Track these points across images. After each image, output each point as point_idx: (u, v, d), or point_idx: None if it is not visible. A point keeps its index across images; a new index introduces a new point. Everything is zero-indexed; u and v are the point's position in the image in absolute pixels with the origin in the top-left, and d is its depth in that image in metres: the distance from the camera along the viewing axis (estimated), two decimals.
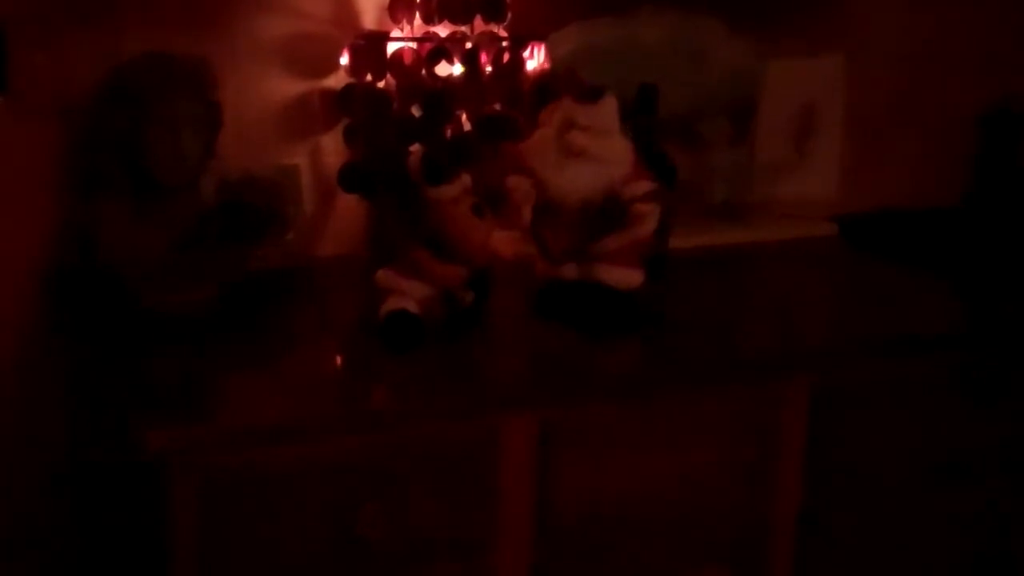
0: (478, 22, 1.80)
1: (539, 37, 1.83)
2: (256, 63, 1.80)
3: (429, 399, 1.47)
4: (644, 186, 1.65)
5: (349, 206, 1.85)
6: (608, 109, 1.64)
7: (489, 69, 1.78)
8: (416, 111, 1.77)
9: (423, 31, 1.79)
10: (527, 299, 1.70)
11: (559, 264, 1.67)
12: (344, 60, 1.81)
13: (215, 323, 1.62)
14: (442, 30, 1.79)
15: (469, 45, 1.78)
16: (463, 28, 1.80)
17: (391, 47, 1.78)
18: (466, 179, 1.57)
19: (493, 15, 1.80)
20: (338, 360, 1.60)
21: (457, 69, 1.76)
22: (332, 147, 1.85)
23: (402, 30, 1.79)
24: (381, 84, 1.78)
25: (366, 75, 1.78)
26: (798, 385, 1.61)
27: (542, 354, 1.61)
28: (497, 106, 1.80)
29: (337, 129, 1.84)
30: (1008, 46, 2.28)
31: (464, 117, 1.79)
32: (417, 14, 1.78)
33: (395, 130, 1.76)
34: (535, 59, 1.83)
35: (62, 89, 1.68)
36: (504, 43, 1.80)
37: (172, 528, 1.34)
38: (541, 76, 1.82)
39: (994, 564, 1.82)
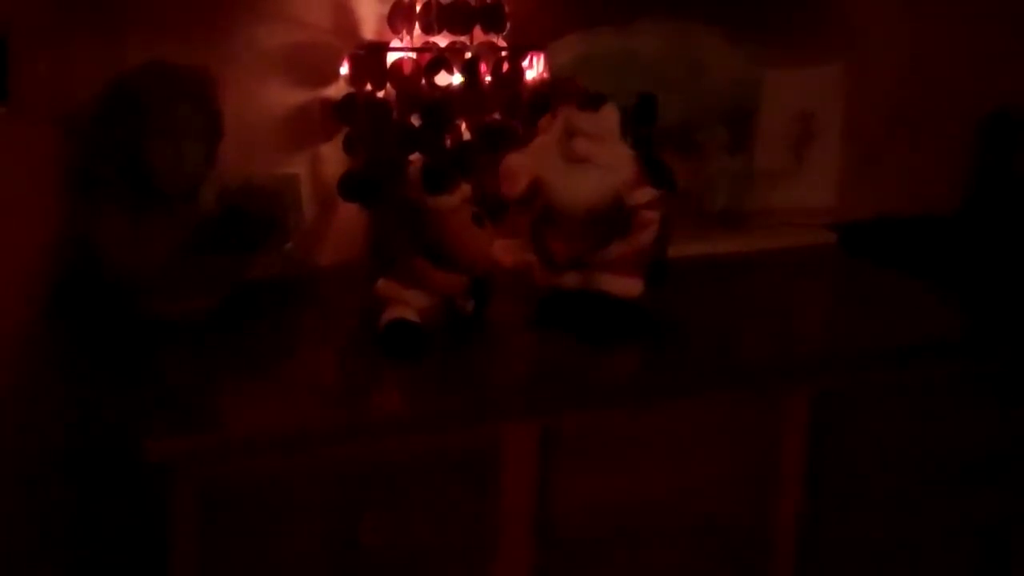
0: (477, 32, 1.81)
1: (538, 47, 1.84)
2: (257, 72, 1.80)
3: (430, 407, 1.47)
4: (648, 193, 1.65)
5: (349, 215, 1.86)
6: (609, 116, 1.64)
7: (488, 79, 1.79)
8: (416, 120, 1.77)
9: (423, 41, 1.80)
10: (527, 308, 1.70)
11: (562, 272, 1.67)
12: (344, 70, 1.81)
13: (215, 331, 1.62)
14: (442, 40, 1.80)
15: (469, 55, 1.78)
16: (463, 38, 1.80)
17: (391, 57, 1.78)
18: (466, 188, 1.57)
19: (492, 25, 1.81)
20: (338, 369, 1.60)
21: (457, 79, 1.77)
22: (332, 156, 1.86)
23: (402, 40, 1.80)
24: (381, 94, 1.79)
25: (366, 85, 1.79)
26: (798, 393, 1.62)
27: (542, 362, 1.61)
28: (497, 115, 1.80)
29: (337, 138, 1.84)
30: (1006, 54, 2.29)
31: (464, 126, 1.79)
32: (417, 24, 1.79)
33: (395, 139, 1.76)
34: (534, 69, 1.83)
35: (63, 98, 1.68)
36: (503, 53, 1.80)
37: (172, 535, 1.34)
38: (540, 86, 1.82)
39: (996, 571, 1.82)
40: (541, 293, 1.69)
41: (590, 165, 1.62)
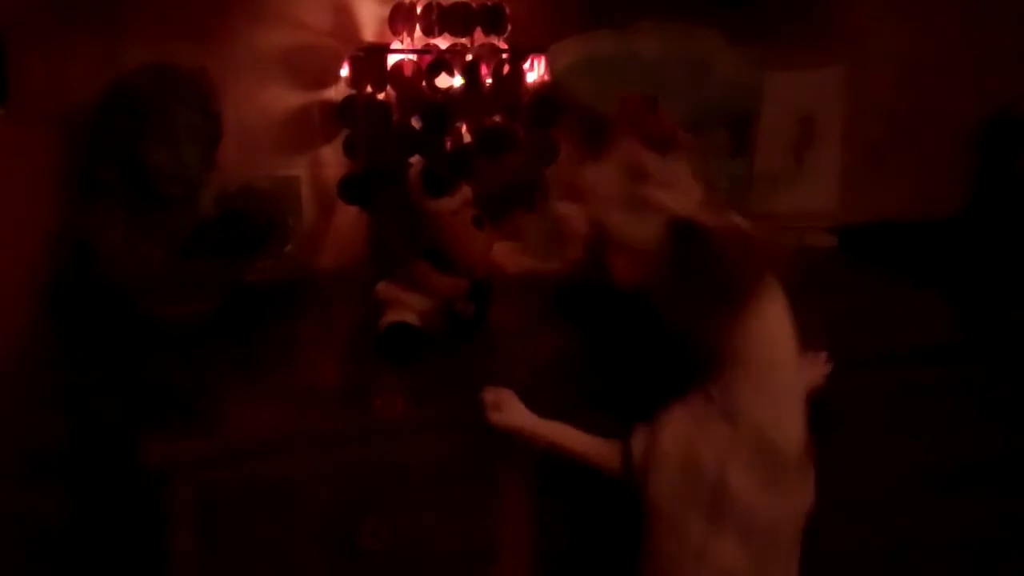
0: (478, 34, 1.81)
1: (539, 49, 1.84)
2: (256, 74, 1.80)
3: (429, 411, 1.47)
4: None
5: (349, 218, 1.86)
6: (682, 161, 1.43)
7: (489, 81, 1.79)
8: (416, 123, 1.77)
9: (423, 43, 1.80)
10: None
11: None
12: (344, 72, 1.81)
13: (214, 334, 1.62)
14: (442, 42, 1.80)
15: (469, 57, 1.78)
16: (463, 40, 1.80)
17: (391, 59, 1.78)
18: (466, 191, 1.57)
19: (493, 27, 1.80)
20: (338, 372, 1.60)
21: (457, 81, 1.77)
22: (332, 159, 1.86)
23: (402, 42, 1.80)
24: (381, 96, 1.79)
25: (366, 87, 1.79)
26: None
27: (543, 365, 1.61)
28: (497, 118, 1.80)
29: (337, 141, 1.84)
30: (1006, 57, 2.29)
31: (464, 129, 1.79)
32: (417, 26, 1.79)
33: (395, 142, 1.76)
34: (535, 71, 1.83)
35: (62, 100, 1.68)
36: (504, 55, 1.80)
37: (171, 538, 1.34)
38: (541, 88, 1.82)
39: (991, 573, 1.82)
40: (561, 283, 1.68)
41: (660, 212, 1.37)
